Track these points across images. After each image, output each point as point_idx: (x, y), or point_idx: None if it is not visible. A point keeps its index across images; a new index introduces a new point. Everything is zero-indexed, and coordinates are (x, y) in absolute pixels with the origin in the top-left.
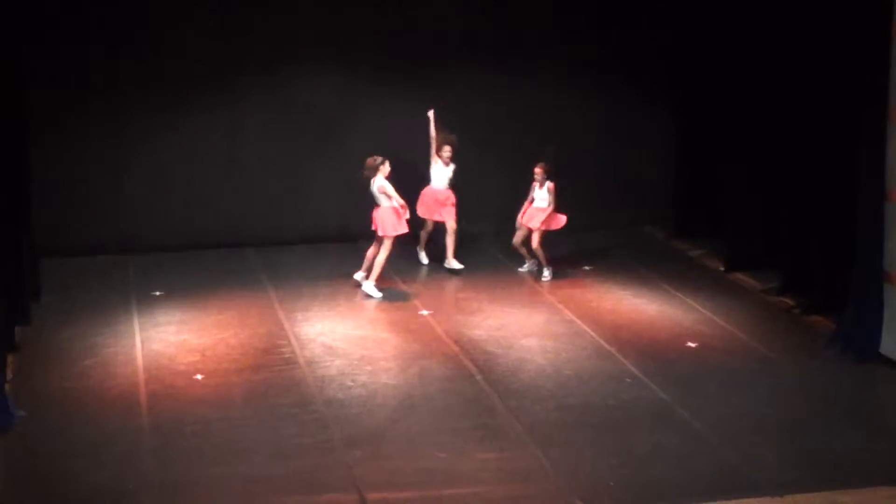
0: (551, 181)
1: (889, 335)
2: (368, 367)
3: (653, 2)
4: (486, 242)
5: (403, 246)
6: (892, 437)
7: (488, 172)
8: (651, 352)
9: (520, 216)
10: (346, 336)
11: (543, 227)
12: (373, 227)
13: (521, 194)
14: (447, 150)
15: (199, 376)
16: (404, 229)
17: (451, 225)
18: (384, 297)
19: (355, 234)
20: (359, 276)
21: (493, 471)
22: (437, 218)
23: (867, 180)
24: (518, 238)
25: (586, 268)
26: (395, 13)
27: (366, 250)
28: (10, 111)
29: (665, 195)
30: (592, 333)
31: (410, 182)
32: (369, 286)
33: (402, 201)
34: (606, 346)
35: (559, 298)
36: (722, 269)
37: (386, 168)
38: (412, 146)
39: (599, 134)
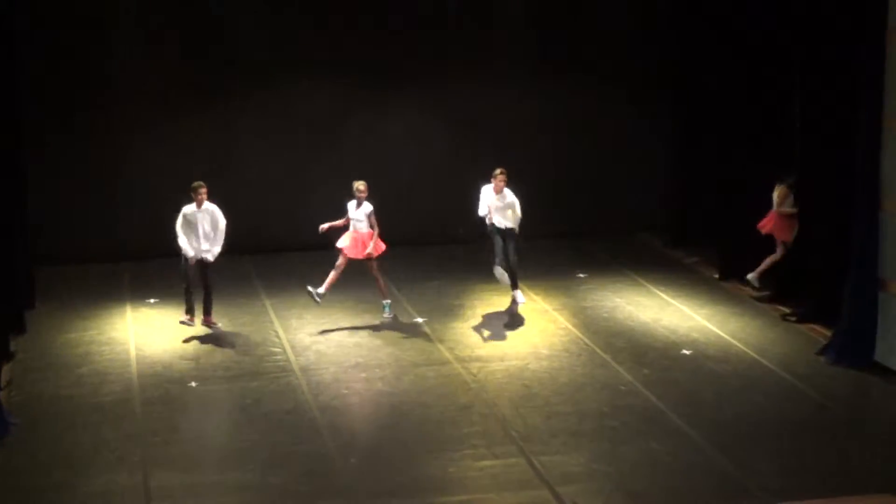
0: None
1: (883, 343)
2: (363, 375)
3: (650, 10)
4: (482, 249)
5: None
6: (886, 445)
7: (481, 177)
8: (646, 359)
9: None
10: (340, 343)
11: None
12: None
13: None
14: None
15: (193, 383)
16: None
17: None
18: (376, 305)
19: None
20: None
21: (487, 478)
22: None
23: (862, 189)
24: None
25: (581, 275)
26: (391, 22)
27: None
28: (6, 121)
29: (660, 203)
30: (587, 341)
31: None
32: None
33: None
34: (601, 353)
35: (554, 306)
36: (716, 276)
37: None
38: (407, 154)
39: (595, 141)
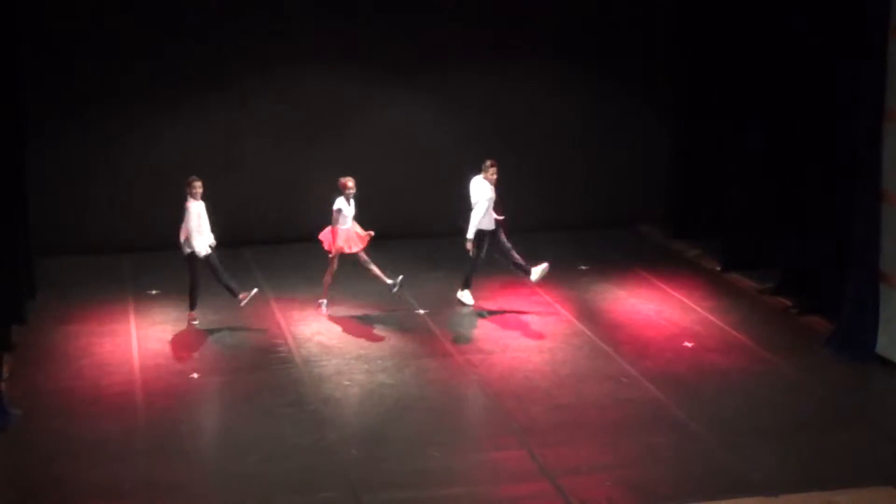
0: None
1: (885, 335)
2: (365, 367)
3: (651, 4)
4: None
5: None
6: (887, 437)
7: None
8: (647, 352)
9: None
10: (342, 335)
11: None
12: None
13: (521, 193)
14: None
15: (195, 375)
16: None
17: None
18: (379, 297)
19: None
20: None
21: (489, 471)
22: None
23: (863, 181)
24: None
25: (582, 267)
26: (393, 15)
27: None
28: (6, 112)
29: (662, 195)
30: (589, 333)
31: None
32: None
33: None
34: (603, 345)
35: (555, 298)
36: (719, 269)
37: None
38: (409, 146)
39: (597, 134)
